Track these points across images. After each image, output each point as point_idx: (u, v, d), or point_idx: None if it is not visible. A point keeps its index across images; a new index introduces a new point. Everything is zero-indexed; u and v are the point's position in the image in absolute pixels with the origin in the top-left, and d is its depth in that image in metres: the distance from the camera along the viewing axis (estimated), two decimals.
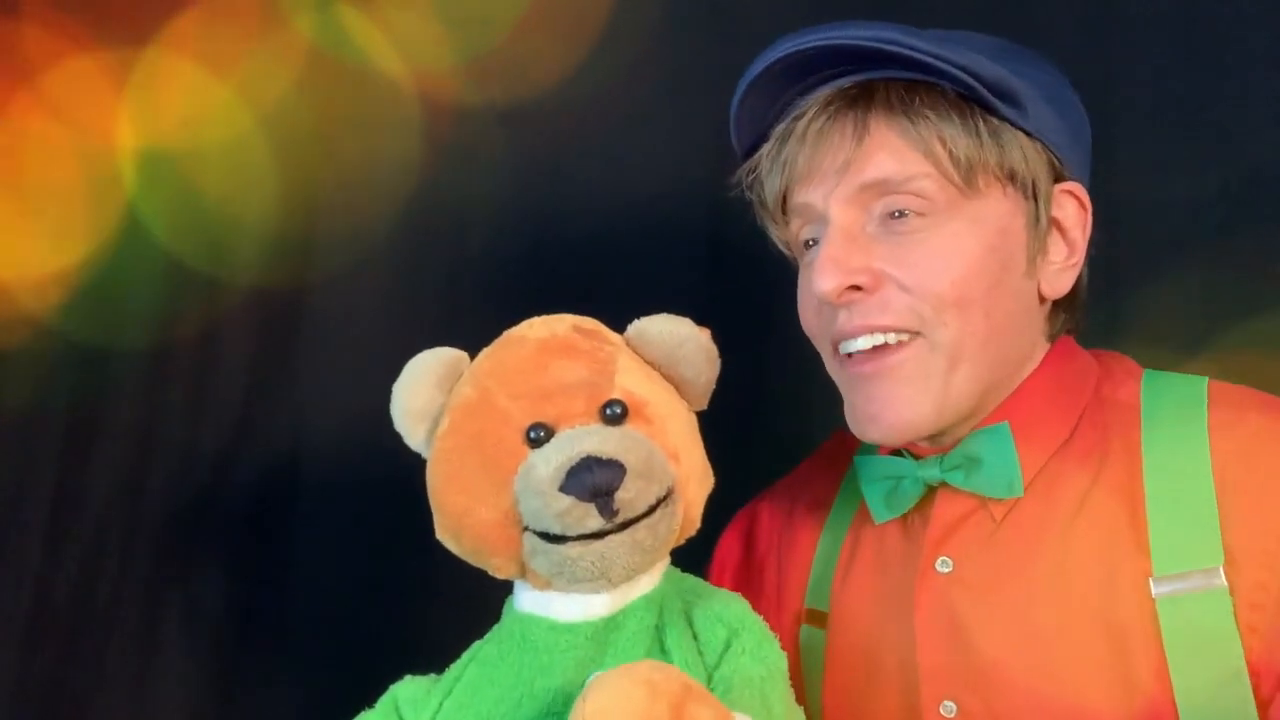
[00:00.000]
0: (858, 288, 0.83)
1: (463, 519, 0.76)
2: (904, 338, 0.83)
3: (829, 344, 0.87)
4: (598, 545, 0.72)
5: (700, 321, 0.83)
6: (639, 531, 0.73)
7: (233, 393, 1.45)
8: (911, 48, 0.82)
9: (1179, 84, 1.20)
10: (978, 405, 0.86)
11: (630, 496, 0.71)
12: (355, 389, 1.41)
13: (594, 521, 0.71)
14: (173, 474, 1.43)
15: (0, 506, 1.42)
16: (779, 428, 1.27)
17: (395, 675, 0.81)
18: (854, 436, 0.91)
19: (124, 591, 1.41)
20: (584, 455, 0.71)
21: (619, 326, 0.84)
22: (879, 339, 0.84)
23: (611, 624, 0.75)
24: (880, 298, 0.83)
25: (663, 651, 0.76)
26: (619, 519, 0.72)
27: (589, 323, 0.81)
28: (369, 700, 0.80)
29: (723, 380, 0.84)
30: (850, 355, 0.85)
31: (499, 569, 0.77)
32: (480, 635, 0.80)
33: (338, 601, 1.39)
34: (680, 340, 0.81)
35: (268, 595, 1.41)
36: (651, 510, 0.73)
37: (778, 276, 0.98)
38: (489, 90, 1.42)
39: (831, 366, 0.89)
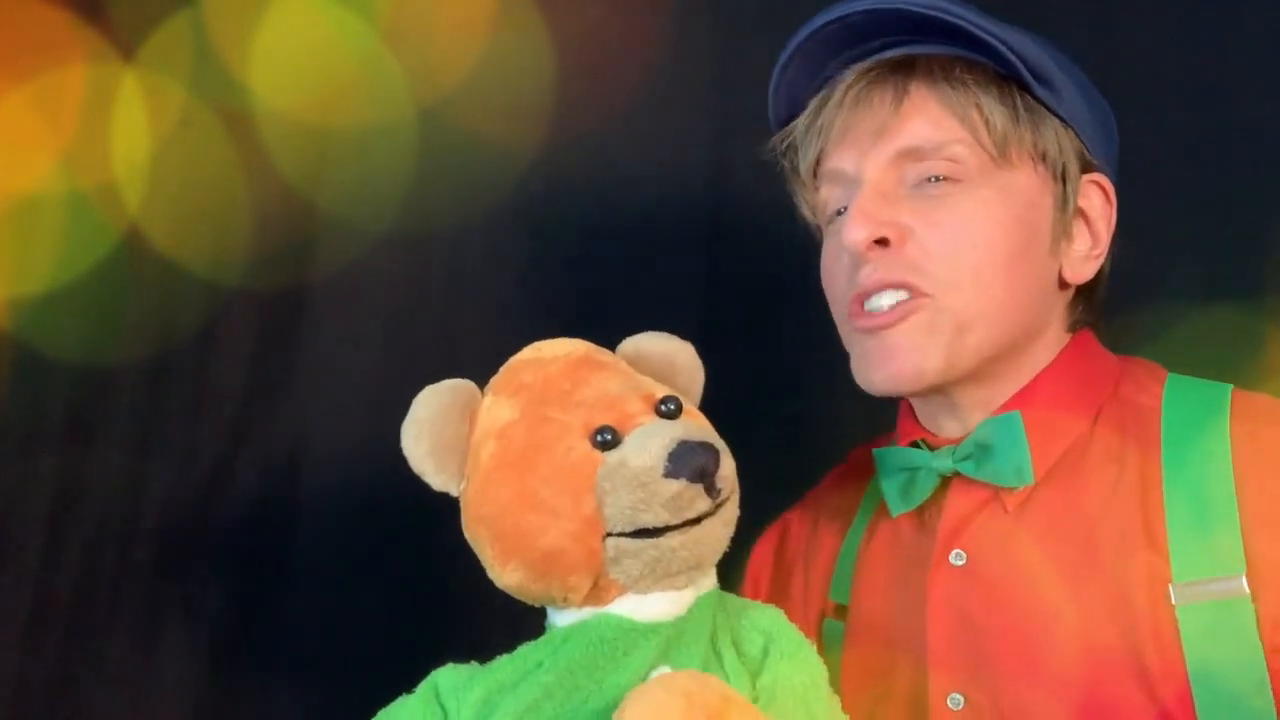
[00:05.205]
0: (885, 242, 0.84)
1: (539, 539, 0.72)
2: (917, 299, 0.84)
3: (846, 301, 0.87)
4: (695, 531, 0.72)
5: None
6: (727, 510, 0.73)
7: (233, 394, 1.45)
8: (962, 18, 0.83)
9: (1180, 84, 1.20)
10: (989, 377, 0.86)
11: (726, 473, 0.72)
12: (355, 390, 1.42)
13: (703, 503, 0.71)
14: (173, 474, 1.43)
15: (0, 506, 1.42)
16: (779, 426, 1.26)
17: (395, 675, 0.80)
18: (882, 443, 0.92)
19: (124, 591, 1.41)
20: (678, 439, 0.70)
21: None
22: (901, 295, 0.84)
23: (677, 623, 0.74)
24: (903, 255, 0.83)
25: (716, 654, 0.75)
26: (720, 498, 0.72)
27: (591, 344, 0.81)
28: (368, 700, 0.80)
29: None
30: (864, 309, 0.85)
31: (573, 589, 0.73)
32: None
33: (338, 602, 1.39)
34: (675, 353, 0.83)
35: (268, 595, 1.41)
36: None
37: (778, 276, 0.98)
38: (487, 90, 1.42)
39: (844, 325, 0.89)
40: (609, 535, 0.72)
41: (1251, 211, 1.16)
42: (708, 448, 0.71)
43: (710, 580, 0.78)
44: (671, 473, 0.69)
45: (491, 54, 1.43)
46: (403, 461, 0.82)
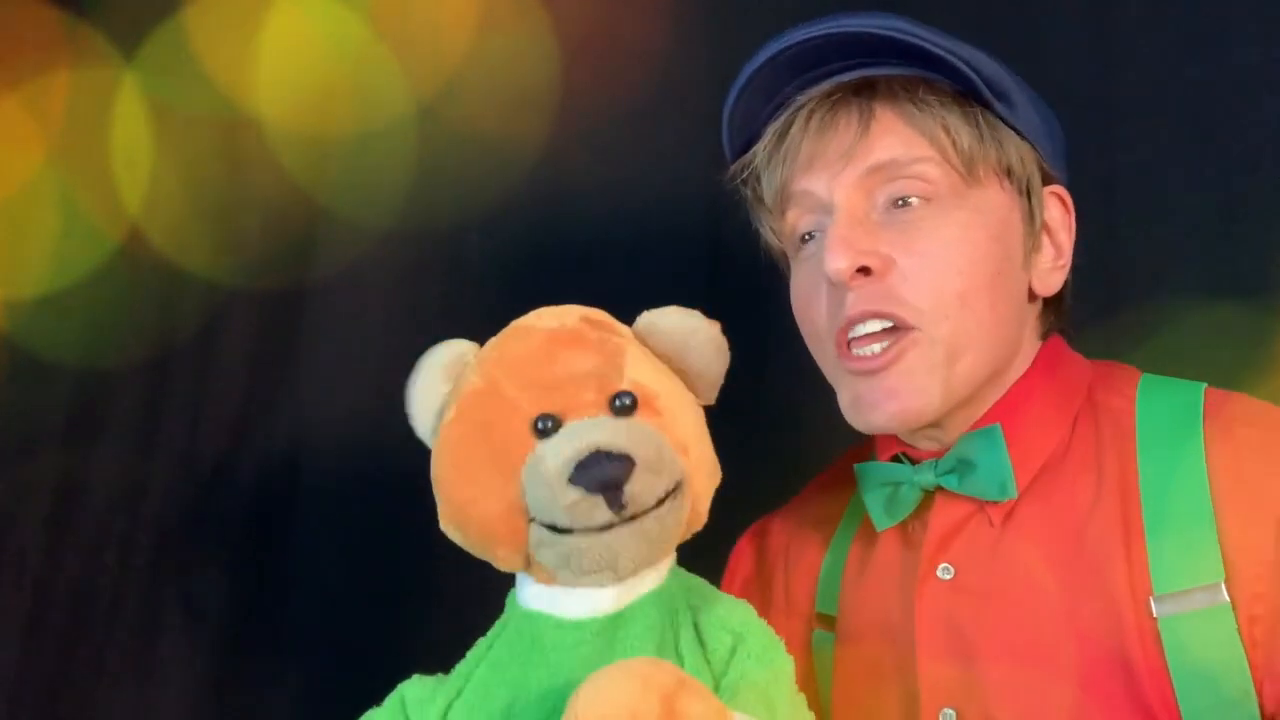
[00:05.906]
0: (867, 270, 0.83)
1: (468, 509, 0.75)
2: (904, 333, 0.83)
3: (831, 335, 0.86)
4: (605, 537, 0.72)
5: None
6: (647, 523, 0.72)
7: (233, 393, 1.45)
8: (921, 38, 0.82)
9: (1180, 84, 1.20)
10: (975, 396, 0.86)
11: (639, 490, 0.71)
12: (355, 389, 1.42)
13: (602, 515, 0.71)
14: (173, 474, 1.43)
15: (0, 506, 1.42)
16: (777, 427, 1.27)
17: (394, 675, 0.80)
18: (863, 451, 0.91)
19: (124, 591, 1.41)
20: (593, 448, 0.71)
21: None
22: (884, 324, 0.83)
23: (619, 620, 0.75)
24: (887, 284, 0.83)
25: (676, 654, 0.75)
26: (627, 512, 0.71)
27: (597, 314, 0.81)
28: (368, 700, 0.80)
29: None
30: (852, 351, 0.84)
31: (504, 560, 0.76)
32: (479, 632, 0.80)
33: (337, 601, 1.39)
34: (691, 332, 0.81)
35: (268, 595, 1.41)
36: (660, 503, 0.73)
37: (777, 277, 0.98)
38: (487, 89, 1.42)
39: (828, 361, 0.88)
40: (532, 520, 0.73)
41: (1251, 211, 1.16)
42: (619, 461, 0.71)
43: (655, 578, 0.77)
44: (573, 481, 0.70)
45: (492, 52, 1.43)
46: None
